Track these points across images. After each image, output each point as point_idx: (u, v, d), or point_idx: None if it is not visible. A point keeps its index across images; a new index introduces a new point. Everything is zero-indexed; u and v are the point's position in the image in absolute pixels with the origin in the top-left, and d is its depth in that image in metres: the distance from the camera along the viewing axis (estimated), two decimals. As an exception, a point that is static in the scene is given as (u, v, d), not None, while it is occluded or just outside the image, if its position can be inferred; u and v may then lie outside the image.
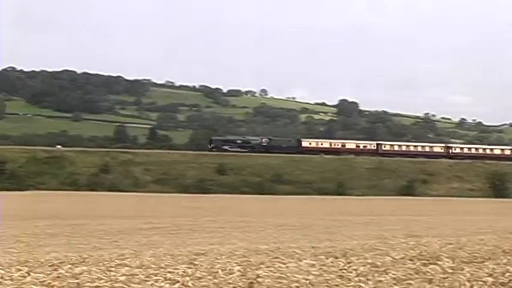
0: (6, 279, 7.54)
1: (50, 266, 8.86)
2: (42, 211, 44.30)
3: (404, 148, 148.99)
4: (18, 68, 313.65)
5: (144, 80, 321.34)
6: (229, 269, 8.21)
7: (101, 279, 7.65)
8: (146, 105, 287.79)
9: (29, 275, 7.80)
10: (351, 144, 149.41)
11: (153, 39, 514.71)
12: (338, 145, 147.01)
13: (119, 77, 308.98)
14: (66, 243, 20.79)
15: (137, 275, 7.88)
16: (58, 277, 7.71)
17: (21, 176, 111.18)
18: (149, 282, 7.55)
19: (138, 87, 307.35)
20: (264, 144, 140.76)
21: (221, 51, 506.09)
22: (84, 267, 8.34)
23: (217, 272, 8.06)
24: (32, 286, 7.33)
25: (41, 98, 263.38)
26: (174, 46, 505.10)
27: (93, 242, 21.04)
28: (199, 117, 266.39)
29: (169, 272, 8.06)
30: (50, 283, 7.44)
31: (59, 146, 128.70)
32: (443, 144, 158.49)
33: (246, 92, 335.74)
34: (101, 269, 8.22)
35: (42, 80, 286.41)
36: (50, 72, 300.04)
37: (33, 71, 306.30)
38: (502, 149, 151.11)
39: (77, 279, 7.63)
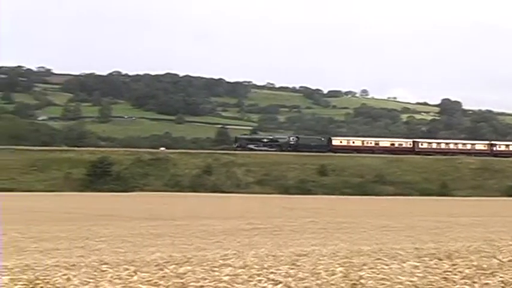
0: (115, 278, 7.76)
1: (155, 265, 9.07)
2: (147, 212, 45.32)
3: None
4: (123, 72, 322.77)
5: (245, 82, 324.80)
6: (332, 270, 8.17)
7: (205, 279, 7.76)
8: (247, 106, 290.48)
9: (135, 274, 8.00)
10: (385, 142, 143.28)
11: (251, 41, 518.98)
12: (371, 143, 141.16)
13: (221, 79, 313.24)
14: (171, 243, 21.17)
15: (240, 275, 7.96)
16: (163, 276, 7.88)
17: (127, 177, 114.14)
18: (252, 283, 7.61)
19: (240, 89, 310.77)
20: (292, 143, 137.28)
21: (321, 52, 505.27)
22: (189, 267, 8.49)
23: (319, 273, 8.04)
24: (139, 285, 7.52)
25: (144, 101, 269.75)
26: (273, 48, 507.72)
27: (196, 242, 21.35)
28: (300, 119, 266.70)
29: (271, 272, 8.10)
30: (156, 282, 7.61)
31: (162, 148, 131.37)
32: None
33: (347, 93, 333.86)
34: (205, 269, 8.34)
35: (146, 84, 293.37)
36: (153, 75, 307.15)
37: (137, 75, 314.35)
38: None
39: (181, 278, 7.77)
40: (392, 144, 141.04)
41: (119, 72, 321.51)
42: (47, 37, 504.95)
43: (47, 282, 7.54)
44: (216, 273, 8.04)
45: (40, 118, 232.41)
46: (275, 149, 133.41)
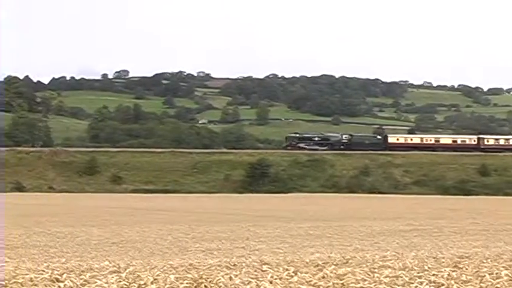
0: (275, 278, 7.86)
1: (314, 266, 9.12)
2: (305, 213, 45.60)
3: (505, 142, 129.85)
4: (280, 75, 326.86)
5: (402, 81, 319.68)
6: (497, 274, 7.89)
7: (365, 280, 7.71)
8: (404, 106, 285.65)
9: (295, 274, 8.07)
10: (446, 139, 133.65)
11: (405, 40, 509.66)
12: (431, 140, 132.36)
13: (377, 79, 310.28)
14: (329, 244, 21.19)
15: (401, 277, 7.85)
16: (323, 277, 7.90)
17: (284, 179, 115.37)
18: (413, 285, 7.49)
19: (396, 89, 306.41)
20: (345, 141, 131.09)
21: (478, 50, 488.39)
22: (348, 268, 8.47)
23: (484, 276, 7.79)
24: (299, 286, 7.57)
25: (301, 103, 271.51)
26: (429, 46, 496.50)
27: (355, 243, 21.25)
28: (459, 117, 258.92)
29: (433, 274, 7.93)
30: (315, 283, 7.64)
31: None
32: None
33: (508, 90, 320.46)
34: (364, 270, 8.30)
35: (302, 86, 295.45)
36: (309, 77, 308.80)
37: (293, 77, 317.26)
38: None
39: (341, 280, 7.76)
40: (455, 141, 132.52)
41: (275, 75, 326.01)
42: (206, 43, 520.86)
43: (210, 281, 7.76)
44: (376, 275, 7.97)
45: (200, 122, 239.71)
46: (326, 148, 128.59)
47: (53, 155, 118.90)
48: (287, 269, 8.45)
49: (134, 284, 7.56)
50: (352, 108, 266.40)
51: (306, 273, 8.14)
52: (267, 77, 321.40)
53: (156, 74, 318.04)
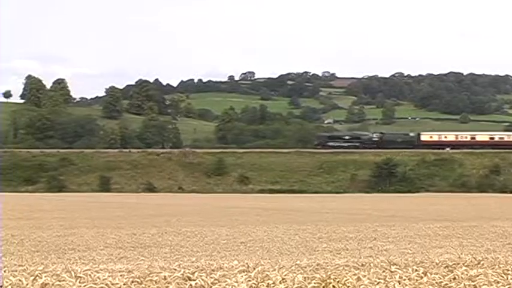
0: (404, 279, 7.78)
1: (444, 267, 8.95)
2: (434, 213, 44.67)
3: None
4: (406, 73, 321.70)
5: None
6: None
7: (498, 282, 7.50)
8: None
9: (425, 275, 7.95)
10: (483, 136, 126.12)
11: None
12: (466, 137, 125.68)
13: (507, 75, 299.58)
14: (459, 244, 20.69)
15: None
16: (454, 278, 7.74)
17: (412, 178, 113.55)
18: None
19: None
20: (376, 139, 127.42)
21: None
22: (480, 270, 8.26)
23: None
24: (429, 287, 7.46)
25: (428, 101, 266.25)
26: None
27: (486, 244, 20.64)
28: None
29: None
30: (446, 284, 7.50)
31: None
32: None
33: None
34: (497, 272, 8.06)
35: (429, 84, 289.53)
36: (437, 75, 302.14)
37: (420, 75, 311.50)
38: None
39: (473, 281, 7.58)
40: (492, 138, 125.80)
41: (401, 74, 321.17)
42: (331, 43, 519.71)
43: (338, 281, 7.75)
44: (510, 277, 7.73)
45: (326, 121, 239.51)
46: (357, 146, 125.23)
47: (182, 157, 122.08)
48: (416, 270, 8.33)
49: (263, 284, 7.66)
50: (481, 106, 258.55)
51: (436, 274, 7.99)
52: (393, 75, 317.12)
53: (282, 75, 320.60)
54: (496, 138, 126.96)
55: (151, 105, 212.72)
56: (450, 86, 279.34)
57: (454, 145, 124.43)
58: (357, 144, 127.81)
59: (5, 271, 10.40)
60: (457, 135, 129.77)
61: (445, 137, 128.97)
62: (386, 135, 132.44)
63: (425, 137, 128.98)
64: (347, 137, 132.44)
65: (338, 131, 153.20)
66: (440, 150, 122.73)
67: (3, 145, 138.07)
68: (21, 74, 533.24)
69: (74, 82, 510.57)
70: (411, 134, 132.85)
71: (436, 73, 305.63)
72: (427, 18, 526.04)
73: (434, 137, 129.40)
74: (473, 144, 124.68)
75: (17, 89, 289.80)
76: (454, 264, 9.33)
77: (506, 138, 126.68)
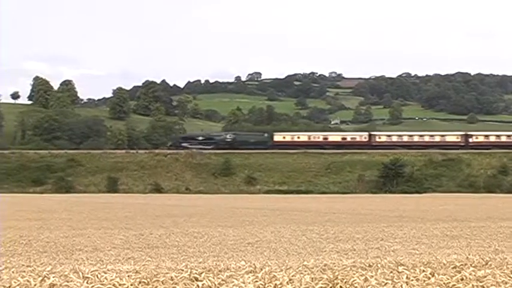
0: (412, 280, 7.76)
1: (452, 268, 8.93)
2: (441, 213, 44.59)
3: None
4: (413, 73, 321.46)
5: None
6: None
7: (506, 283, 7.49)
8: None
9: (432, 276, 7.93)
10: (335, 137, 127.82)
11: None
12: (319, 138, 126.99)
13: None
14: (466, 245, 20.67)
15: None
16: (462, 279, 7.72)
17: (419, 178, 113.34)
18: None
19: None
20: (229, 140, 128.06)
21: None
22: (488, 270, 8.24)
23: None
24: (437, 287, 7.45)
25: (435, 102, 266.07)
26: None
27: (494, 244, 20.61)
28: None
29: None
30: (454, 285, 7.49)
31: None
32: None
33: None
34: (505, 273, 8.04)
35: (436, 84, 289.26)
36: (444, 75, 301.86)
37: (427, 76, 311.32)
38: None
39: (480, 282, 7.56)
40: (344, 139, 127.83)
41: (408, 74, 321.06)
42: (337, 43, 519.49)
43: (346, 282, 7.75)
44: (518, 278, 7.71)
45: (333, 122, 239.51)
46: (211, 147, 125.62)
47: (189, 157, 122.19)
48: (424, 271, 8.31)
49: (270, 284, 7.66)
50: (489, 106, 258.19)
51: (444, 274, 7.98)
52: (400, 76, 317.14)
53: (289, 76, 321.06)
54: (348, 138, 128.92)
55: (159, 106, 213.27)
56: (457, 86, 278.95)
57: (306, 146, 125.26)
58: (212, 144, 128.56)
59: (13, 271, 10.43)
60: (309, 136, 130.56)
61: (298, 137, 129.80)
62: (239, 136, 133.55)
63: (278, 137, 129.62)
64: (201, 138, 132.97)
65: (198, 132, 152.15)
66: (450, 151, 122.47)
67: (11, 146, 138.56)
68: (29, 75, 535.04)
69: (81, 83, 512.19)
70: (265, 135, 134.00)
71: (443, 73, 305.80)
72: (434, 18, 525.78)
73: (287, 137, 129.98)
74: (324, 145, 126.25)
75: (24, 90, 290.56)
76: (462, 264, 9.31)
77: (358, 139, 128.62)
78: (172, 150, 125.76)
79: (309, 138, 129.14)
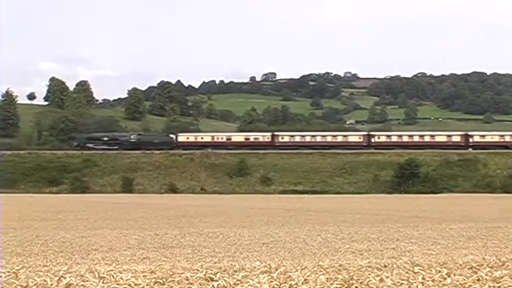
0: (428, 280, 7.74)
1: (468, 268, 8.89)
2: (457, 214, 44.38)
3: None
4: (428, 73, 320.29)
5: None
6: None
7: (525, 284, 7.44)
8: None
9: (448, 276, 7.90)
10: (238, 137, 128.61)
11: None
12: (222, 138, 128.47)
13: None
14: (483, 246, 20.55)
15: None
16: (478, 280, 7.69)
17: (435, 179, 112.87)
18: None
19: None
20: (133, 140, 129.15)
21: None
22: (504, 271, 8.19)
23: None
24: (453, 288, 7.42)
25: (451, 102, 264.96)
26: None
27: (510, 245, 20.49)
28: None
29: None
30: (470, 286, 7.45)
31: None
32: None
33: None
34: (524, 274, 8.00)
35: (452, 83, 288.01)
36: (460, 75, 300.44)
37: (442, 75, 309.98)
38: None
39: (497, 283, 7.53)
40: (247, 139, 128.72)
41: (423, 74, 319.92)
42: (352, 43, 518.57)
43: (361, 282, 7.73)
44: (535, 279, 7.66)
45: (348, 122, 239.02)
46: (117, 148, 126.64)
47: (204, 157, 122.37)
48: (440, 271, 8.28)
49: (285, 284, 7.66)
50: (505, 106, 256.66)
51: (460, 275, 7.94)
52: (415, 75, 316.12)
53: (303, 76, 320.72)
54: (251, 139, 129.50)
55: (174, 106, 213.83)
56: (473, 86, 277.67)
57: (209, 145, 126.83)
58: (116, 145, 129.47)
59: (30, 271, 10.49)
60: (213, 136, 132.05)
61: (202, 138, 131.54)
62: (144, 136, 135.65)
63: (182, 137, 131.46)
64: (106, 138, 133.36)
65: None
66: (465, 151, 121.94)
67: (27, 146, 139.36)
68: (44, 76, 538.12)
69: (97, 84, 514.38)
70: (171, 136, 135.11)
71: (459, 73, 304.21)
72: (449, 17, 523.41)
73: (191, 138, 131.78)
74: (228, 145, 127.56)
75: (40, 91, 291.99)
76: (478, 265, 9.26)
77: (261, 139, 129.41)
78: (187, 151, 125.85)
79: (213, 138, 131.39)
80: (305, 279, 7.89)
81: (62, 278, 7.99)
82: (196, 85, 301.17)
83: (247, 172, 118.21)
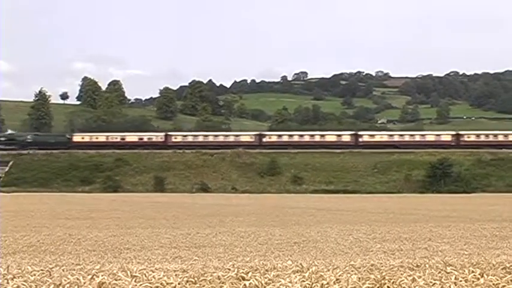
0: (460, 280, 7.68)
1: (502, 268, 8.81)
2: (490, 213, 43.96)
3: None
4: (461, 72, 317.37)
5: None
6: None
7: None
8: None
9: (481, 277, 7.83)
10: (132, 137, 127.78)
11: None
12: (117, 138, 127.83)
13: None
14: (518, 246, 20.33)
15: None
16: (511, 280, 7.61)
17: (467, 178, 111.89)
18: None
19: None
20: (29, 140, 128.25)
21: None
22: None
23: None
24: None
25: (484, 101, 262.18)
26: None
27: (545, 246, 20.24)
28: None
29: None
30: (503, 286, 7.39)
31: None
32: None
33: None
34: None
35: (485, 82, 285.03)
36: (492, 73, 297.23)
37: (475, 74, 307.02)
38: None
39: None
40: (141, 139, 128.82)
41: (456, 73, 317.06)
42: (384, 42, 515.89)
43: (393, 282, 7.70)
44: None
45: (379, 121, 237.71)
46: (13, 148, 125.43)
47: (236, 157, 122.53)
48: (473, 271, 8.22)
49: (317, 284, 7.65)
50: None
51: (493, 275, 7.87)
52: (447, 74, 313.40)
53: (335, 75, 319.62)
54: (145, 139, 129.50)
55: (205, 105, 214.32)
56: (507, 85, 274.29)
57: (104, 146, 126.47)
58: (14, 145, 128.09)
59: (63, 270, 10.60)
60: (107, 136, 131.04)
61: (96, 138, 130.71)
62: (39, 137, 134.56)
63: (77, 138, 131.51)
64: (3, 139, 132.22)
65: None
66: (498, 150, 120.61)
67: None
68: (77, 76, 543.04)
69: (129, 83, 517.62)
70: (67, 136, 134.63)
71: (492, 71, 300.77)
72: (482, 15, 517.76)
73: (86, 138, 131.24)
74: (123, 145, 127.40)
75: (73, 91, 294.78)
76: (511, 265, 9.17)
77: (154, 139, 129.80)
78: (216, 150, 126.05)
79: (107, 138, 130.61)
80: (337, 279, 7.88)
81: (94, 277, 8.07)
82: (228, 84, 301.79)
83: (279, 171, 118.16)
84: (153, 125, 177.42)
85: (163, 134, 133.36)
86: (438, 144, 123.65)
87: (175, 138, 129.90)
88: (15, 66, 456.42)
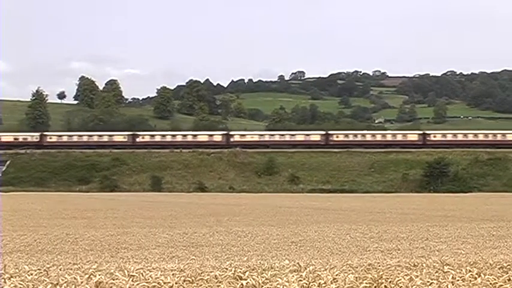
0: (458, 280, 7.69)
1: (499, 268, 8.81)
2: (487, 213, 43.98)
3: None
4: (458, 71, 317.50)
5: None
6: None
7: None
8: None
9: (479, 276, 7.84)
10: (7, 137, 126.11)
11: None
12: (35, 138, 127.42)
13: None
14: (515, 245, 20.35)
15: None
16: (508, 280, 7.63)
17: (464, 178, 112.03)
18: None
19: None
20: None
21: None
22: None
23: None
24: (483, 288, 7.37)
25: (481, 100, 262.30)
26: None
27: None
28: None
29: None
30: (501, 286, 7.40)
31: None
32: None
33: None
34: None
35: (482, 82, 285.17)
36: (489, 73, 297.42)
37: (472, 73, 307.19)
38: None
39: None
40: (16, 139, 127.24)
41: (453, 72, 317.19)
42: (381, 42, 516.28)
43: (390, 281, 7.71)
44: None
45: (377, 121, 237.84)
46: None
47: (233, 156, 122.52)
48: (470, 271, 8.22)
49: (314, 283, 7.65)
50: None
51: (490, 275, 7.88)
52: (445, 74, 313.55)
53: (332, 74, 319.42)
54: (20, 139, 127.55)
55: (202, 105, 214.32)
56: (504, 84, 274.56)
57: (23, 146, 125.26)
58: None
59: (60, 269, 10.59)
60: (27, 137, 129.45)
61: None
62: None
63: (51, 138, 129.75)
64: None
65: None
66: (495, 150, 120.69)
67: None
68: (74, 75, 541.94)
69: (126, 83, 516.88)
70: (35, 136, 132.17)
71: (489, 71, 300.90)
72: (478, 15, 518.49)
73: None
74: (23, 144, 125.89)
75: (70, 90, 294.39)
76: (509, 265, 9.18)
77: (30, 139, 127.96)
78: (215, 150, 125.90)
79: (25, 138, 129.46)
80: (334, 278, 7.89)
81: (91, 276, 8.07)
82: (225, 84, 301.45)
83: (276, 171, 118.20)
84: (150, 125, 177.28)
85: (38, 134, 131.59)
86: (307, 145, 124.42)
87: (50, 138, 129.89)
88: (12, 65, 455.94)
